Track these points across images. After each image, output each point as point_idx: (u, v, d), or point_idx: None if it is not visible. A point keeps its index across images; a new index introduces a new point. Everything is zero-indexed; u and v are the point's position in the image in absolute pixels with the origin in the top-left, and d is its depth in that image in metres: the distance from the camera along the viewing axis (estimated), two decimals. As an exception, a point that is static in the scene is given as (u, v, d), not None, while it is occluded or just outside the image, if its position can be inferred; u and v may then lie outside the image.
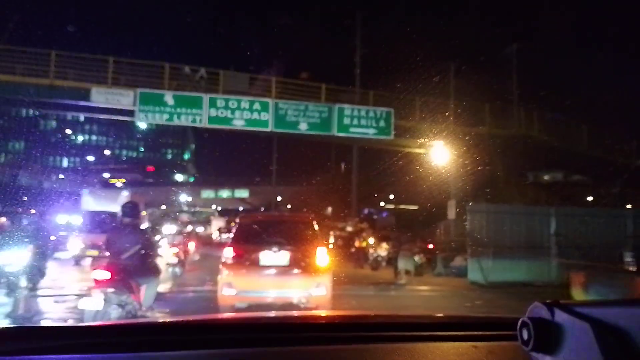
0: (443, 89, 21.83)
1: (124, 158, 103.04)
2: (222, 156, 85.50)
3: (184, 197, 66.56)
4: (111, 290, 5.46)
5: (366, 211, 55.16)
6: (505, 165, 22.18)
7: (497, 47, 25.09)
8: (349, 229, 48.09)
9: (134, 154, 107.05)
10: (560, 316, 0.66)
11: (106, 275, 5.54)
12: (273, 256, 7.52)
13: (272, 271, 7.51)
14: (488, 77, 22.91)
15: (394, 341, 1.43)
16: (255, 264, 7.49)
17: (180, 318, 1.88)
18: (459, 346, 1.42)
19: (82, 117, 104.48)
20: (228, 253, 7.62)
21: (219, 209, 76.53)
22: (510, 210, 17.13)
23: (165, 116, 19.64)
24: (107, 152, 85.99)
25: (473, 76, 23.61)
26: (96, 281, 5.55)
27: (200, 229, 41.25)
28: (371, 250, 22.22)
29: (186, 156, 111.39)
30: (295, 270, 7.45)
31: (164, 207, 54.92)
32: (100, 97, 19.15)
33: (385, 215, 56.67)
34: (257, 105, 20.07)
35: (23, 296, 7.58)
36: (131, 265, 5.80)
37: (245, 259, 7.53)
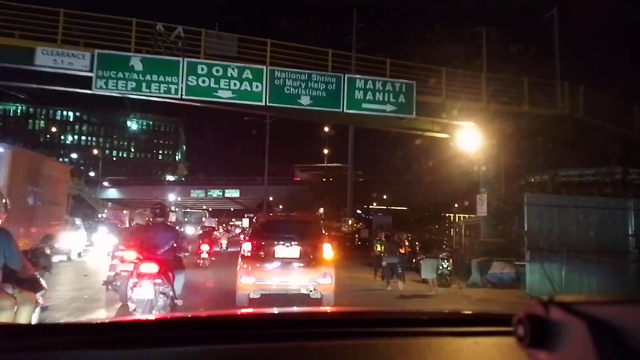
0: (474, 60, 17.35)
1: (114, 158, 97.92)
2: (213, 155, 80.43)
3: (173, 197, 61.72)
4: (158, 281, 5.99)
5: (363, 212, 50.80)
6: (546, 153, 17.71)
7: (536, 12, 20.52)
8: (345, 229, 43.85)
9: (125, 155, 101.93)
10: (556, 313, 0.64)
11: (154, 268, 5.99)
12: (286, 250, 8.12)
13: (285, 263, 8.10)
14: (525, 48, 18.46)
15: (393, 337, 1.38)
16: (270, 257, 8.10)
17: (184, 314, 1.87)
18: (458, 342, 1.37)
19: (71, 116, 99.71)
20: (247, 247, 8.24)
21: (210, 209, 71.90)
22: (577, 203, 12.60)
23: (131, 85, 14.89)
24: (95, 152, 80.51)
25: (508, 45, 19.15)
26: (144, 273, 5.97)
27: (191, 231, 36.50)
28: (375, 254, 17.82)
29: (177, 157, 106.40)
30: (305, 262, 8.09)
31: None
32: (47, 58, 14.32)
33: (380, 215, 52.67)
34: (247, 73, 15.40)
35: None
36: (167, 259, 6.32)
37: (262, 252, 8.14)
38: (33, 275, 4.37)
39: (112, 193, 64.41)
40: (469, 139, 16.97)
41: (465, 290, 13.99)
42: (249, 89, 15.33)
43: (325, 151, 58.88)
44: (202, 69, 15.22)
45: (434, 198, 51.31)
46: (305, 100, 15.58)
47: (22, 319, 4.00)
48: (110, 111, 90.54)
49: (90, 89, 14.91)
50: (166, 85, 15.00)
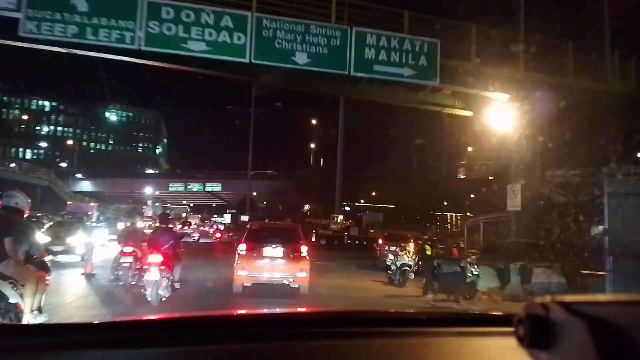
0: (510, 18, 13.80)
1: (92, 151, 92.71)
2: (195, 148, 75.75)
3: (150, 191, 57.32)
4: (162, 267, 7.77)
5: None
6: (592, 135, 14.25)
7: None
8: (334, 226, 40.04)
9: (103, 147, 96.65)
10: (556, 313, 0.63)
11: (160, 258, 7.79)
12: (272, 250, 9.77)
13: (271, 260, 9.73)
14: (570, 8, 14.97)
15: (393, 337, 1.35)
16: (260, 255, 9.74)
17: (184, 314, 1.85)
18: (458, 341, 1.34)
19: (47, 106, 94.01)
20: (242, 247, 9.79)
21: (191, 204, 67.52)
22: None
23: (73, 30, 10.94)
24: (69, 142, 75.52)
25: (550, 4, 15.64)
26: (153, 262, 7.72)
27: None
28: (390, 257, 14.35)
29: (158, 150, 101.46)
30: (286, 260, 9.70)
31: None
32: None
33: (368, 213, 49.21)
34: (227, 21, 11.56)
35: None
36: (168, 253, 8.15)
37: (253, 252, 9.75)
38: (44, 260, 5.02)
39: (86, 185, 59.82)
40: (501, 116, 13.40)
41: (504, 303, 10.46)
42: (228, 40, 11.51)
43: (312, 145, 55.05)
44: (168, 13, 11.35)
45: (426, 195, 48.35)
46: (301, 59, 11.82)
47: (40, 291, 4.65)
48: (88, 102, 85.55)
49: (14, 38, 10.95)
50: (119, 33, 11.09)
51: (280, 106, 44.23)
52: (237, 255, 9.79)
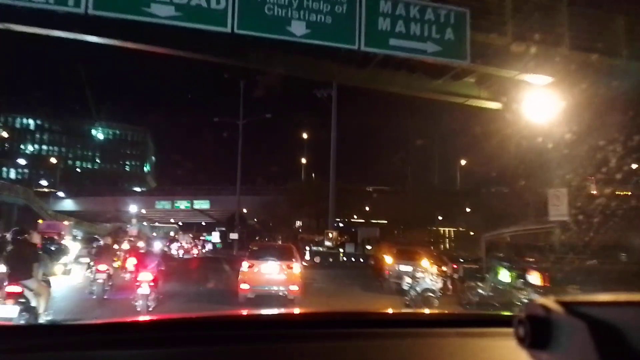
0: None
1: (78, 170, 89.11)
2: (183, 165, 72.38)
3: (135, 209, 53.97)
4: (152, 284, 8.92)
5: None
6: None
7: None
8: (328, 243, 36.96)
9: (89, 165, 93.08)
10: (557, 314, 0.63)
11: (150, 276, 8.94)
12: (269, 267, 10.96)
13: (269, 275, 10.89)
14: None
15: (394, 338, 1.35)
16: (259, 271, 10.95)
17: (184, 315, 1.78)
18: (458, 342, 1.35)
19: (32, 124, 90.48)
20: (245, 265, 11.09)
21: (180, 223, 64.07)
22: None
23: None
24: (53, 160, 72.05)
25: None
26: (144, 280, 8.84)
27: (158, 246, 29.24)
28: (407, 280, 11.71)
29: (146, 168, 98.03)
30: (282, 275, 10.83)
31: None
32: None
33: (362, 228, 46.35)
34: (203, -20, 8.88)
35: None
36: (154, 271, 9.19)
37: (254, 268, 10.96)
38: (49, 279, 6.92)
39: (68, 204, 56.41)
40: (541, 105, 10.74)
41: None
42: (203, 4, 8.76)
43: (303, 160, 52.19)
44: (125, -31, 8.61)
45: (421, 208, 45.68)
46: (298, 29, 9.07)
47: (47, 299, 6.48)
48: (73, 119, 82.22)
49: None
50: (61, -7, 8.31)
51: (269, 117, 41.60)
52: (240, 272, 11.18)
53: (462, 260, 16.80)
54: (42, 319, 6.15)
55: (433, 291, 11.03)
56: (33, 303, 5.99)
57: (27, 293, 5.97)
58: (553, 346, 0.62)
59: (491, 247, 15.38)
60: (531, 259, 10.15)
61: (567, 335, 0.60)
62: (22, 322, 5.59)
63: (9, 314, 5.70)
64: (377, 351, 1.27)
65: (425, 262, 13.02)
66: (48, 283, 6.71)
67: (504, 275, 9.02)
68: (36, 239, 6.81)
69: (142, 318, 1.32)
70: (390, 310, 1.88)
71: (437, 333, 1.38)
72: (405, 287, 11.37)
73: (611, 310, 0.59)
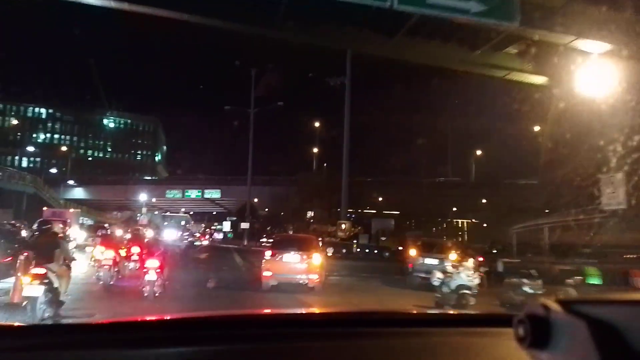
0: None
1: (90, 159, 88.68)
2: (195, 155, 71.33)
3: (145, 198, 53.03)
4: (158, 270, 9.26)
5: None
6: None
7: None
8: (341, 234, 35.67)
9: (101, 155, 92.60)
10: (557, 313, 0.63)
11: (157, 263, 9.32)
12: (291, 256, 11.62)
13: (290, 264, 11.56)
14: None
15: (395, 337, 1.34)
16: (282, 260, 11.62)
17: (184, 315, 1.83)
18: (459, 341, 1.33)
19: (44, 113, 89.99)
20: (268, 254, 11.82)
21: (191, 212, 63.23)
22: None
23: None
24: (64, 149, 71.48)
25: None
26: (151, 267, 9.21)
27: (171, 236, 29.01)
28: (438, 275, 10.46)
29: (157, 158, 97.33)
30: (303, 264, 11.50)
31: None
32: None
33: (376, 219, 45.08)
34: None
35: None
36: (160, 258, 9.66)
37: (277, 257, 11.64)
38: (69, 263, 7.68)
39: (79, 193, 55.76)
40: (600, 75, 9.24)
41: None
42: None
43: (315, 151, 50.82)
44: None
45: (434, 200, 44.29)
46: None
47: (68, 281, 7.47)
48: (85, 109, 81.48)
49: None
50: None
51: (281, 105, 40.31)
52: (263, 261, 11.76)
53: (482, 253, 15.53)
54: (63, 297, 7.04)
55: (469, 288, 9.78)
56: (55, 284, 6.72)
57: (50, 275, 6.64)
58: (553, 346, 0.61)
59: (523, 241, 13.97)
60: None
61: (567, 334, 0.59)
62: (44, 300, 6.50)
63: (35, 293, 6.41)
64: (378, 350, 1.25)
65: (453, 255, 11.75)
66: (69, 267, 7.52)
67: (594, 278, 7.59)
68: (57, 228, 8.09)
69: (143, 318, 1.14)
70: (389, 310, 1.88)
71: (437, 332, 1.36)
72: (436, 283, 10.12)
73: (611, 310, 0.58)
